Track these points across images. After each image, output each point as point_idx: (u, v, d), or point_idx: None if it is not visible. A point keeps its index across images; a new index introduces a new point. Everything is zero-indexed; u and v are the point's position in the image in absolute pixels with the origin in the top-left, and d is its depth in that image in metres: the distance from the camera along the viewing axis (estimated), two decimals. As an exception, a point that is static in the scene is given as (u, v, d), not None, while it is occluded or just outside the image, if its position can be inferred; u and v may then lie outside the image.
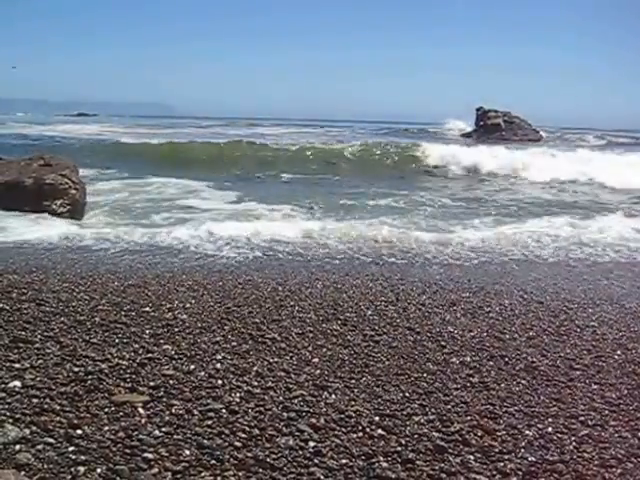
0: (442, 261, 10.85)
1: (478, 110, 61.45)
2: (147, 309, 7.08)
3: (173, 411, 4.79)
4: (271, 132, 56.20)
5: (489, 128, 58.74)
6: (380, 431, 4.72)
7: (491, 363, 6.18)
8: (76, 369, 5.38)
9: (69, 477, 3.90)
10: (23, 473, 3.79)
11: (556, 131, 69.75)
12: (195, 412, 4.79)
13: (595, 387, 5.74)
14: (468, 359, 6.24)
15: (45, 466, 3.98)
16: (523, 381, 5.79)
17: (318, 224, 13.75)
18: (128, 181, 22.36)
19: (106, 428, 4.48)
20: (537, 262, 11.20)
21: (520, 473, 4.27)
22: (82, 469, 3.99)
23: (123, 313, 6.89)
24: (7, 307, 6.80)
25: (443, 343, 6.63)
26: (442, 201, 20.73)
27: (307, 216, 16.01)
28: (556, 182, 28.54)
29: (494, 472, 4.27)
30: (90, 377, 5.24)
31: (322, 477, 4.08)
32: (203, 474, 4.04)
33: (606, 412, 5.25)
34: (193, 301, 7.52)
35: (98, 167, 25.26)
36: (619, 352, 6.64)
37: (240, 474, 4.06)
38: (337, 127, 75.77)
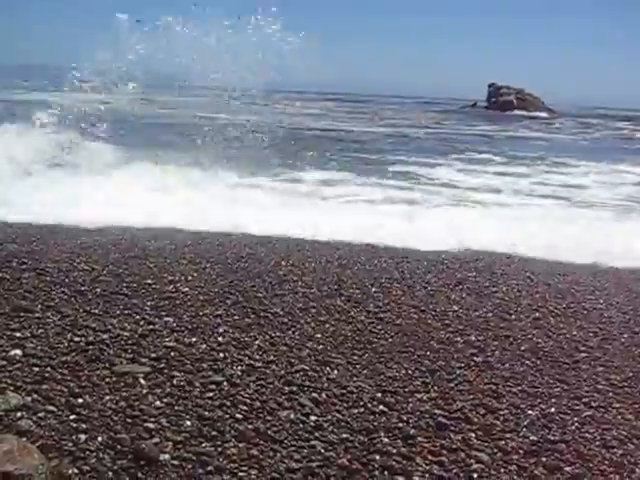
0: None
1: (490, 86, 61.03)
2: (148, 281, 7.04)
3: (174, 382, 4.77)
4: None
5: (501, 104, 58.38)
6: (382, 407, 4.69)
7: (496, 343, 6.15)
8: (77, 339, 5.35)
9: (70, 444, 3.89)
10: (24, 439, 3.77)
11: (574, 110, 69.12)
12: (196, 384, 4.77)
13: (600, 369, 5.71)
14: (472, 338, 6.21)
15: (46, 433, 3.97)
16: (527, 362, 5.76)
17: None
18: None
19: (107, 398, 4.47)
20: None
21: (521, 451, 4.25)
22: (83, 437, 3.98)
23: (124, 284, 6.85)
24: (7, 276, 6.77)
25: (447, 322, 6.60)
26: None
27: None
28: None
29: (495, 450, 4.24)
30: (91, 347, 5.22)
31: (322, 450, 4.06)
32: (204, 445, 4.03)
33: (610, 394, 5.22)
34: (195, 274, 7.48)
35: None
36: (625, 335, 6.61)
37: (240, 445, 4.05)
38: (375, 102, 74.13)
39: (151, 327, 5.74)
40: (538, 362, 5.75)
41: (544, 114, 57.31)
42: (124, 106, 21.73)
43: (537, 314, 7.08)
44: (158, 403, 4.45)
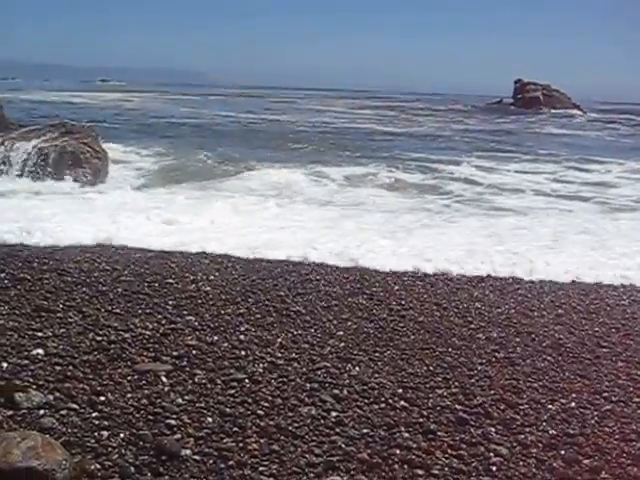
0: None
1: (516, 82, 60.43)
2: (170, 280, 7.11)
3: (196, 380, 4.81)
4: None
5: (527, 101, 57.74)
6: (403, 403, 4.70)
7: (517, 339, 6.13)
8: (99, 338, 5.42)
9: (93, 441, 3.94)
10: (48, 436, 3.81)
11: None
12: (218, 381, 4.81)
13: (621, 364, 5.68)
14: (494, 335, 6.20)
15: (69, 430, 4.03)
16: (549, 357, 5.74)
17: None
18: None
19: (129, 395, 4.52)
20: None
21: (540, 445, 4.25)
22: (106, 433, 4.03)
23: (146, 284, 6.92)
24: (28, 277, 6.85)
25: (470, 319, 6.59)
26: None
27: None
28: None
29: (514, 443, 4.24)
30: (113, 346, 5.28)
31: (343, 445, 4.08)
32: (225, 440, 4.06)
33: (630, 389, 5.20)
34: (217, 274, 7.54)
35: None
36: (649, 331, 6.56)
37: (262, 441, 4.07)
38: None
39: (173, 326, 5.80)
40: (559, 358, 5.73)
41: (572, 111, 56.65)
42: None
43: (560, 310, 7.04)
44: (180, 400, 4.49)
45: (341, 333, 5.97)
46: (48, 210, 10.77)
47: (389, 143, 28.34)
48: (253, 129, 32.31)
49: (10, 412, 4.15)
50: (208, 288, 6.93)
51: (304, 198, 14.13)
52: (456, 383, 5.09)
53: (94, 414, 4.24)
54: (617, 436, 4.43)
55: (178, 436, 4.06)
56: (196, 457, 3.87)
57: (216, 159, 18.58)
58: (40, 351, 5.07)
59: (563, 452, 4.19)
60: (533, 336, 6.22)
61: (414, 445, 4.14)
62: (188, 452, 3.91)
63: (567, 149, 28.41)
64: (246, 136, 27.54)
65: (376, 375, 5.14)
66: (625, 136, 41.12)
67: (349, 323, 6.24)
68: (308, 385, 4.86)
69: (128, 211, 11.02)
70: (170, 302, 6.40)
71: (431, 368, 5.36)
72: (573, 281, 8.32)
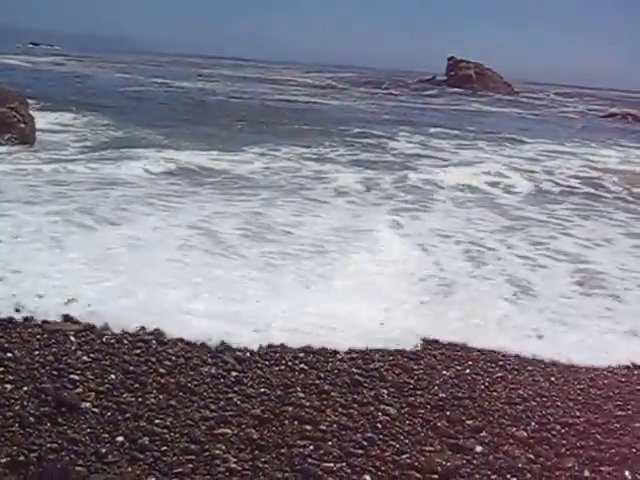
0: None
1: (449, 60, 60.57)
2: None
3: (104, 340, 4.96)
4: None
5: (460, 78, 57.77)
6: (302, 365, 4.92)
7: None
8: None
9: (-5, 393, 4.09)
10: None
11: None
12: (125, 342, 4.97)
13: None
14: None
15: (-29, 383, 4.16)
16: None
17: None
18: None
19: (36, 353, 4.65)
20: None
21: (428, 407, 4.50)
22: (9, 387, 4.19)
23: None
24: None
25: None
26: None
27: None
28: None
29: (404, 405, 4.49)
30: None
31: (239, 402, 4.29)
32: (125, 395, 4.24)
33: (524, 355, 5.49)
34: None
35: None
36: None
37: (161, 397, 4.26)
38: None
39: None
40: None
41: (501, 89, 56.95)
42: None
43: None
44: (85, 358, 4.65)
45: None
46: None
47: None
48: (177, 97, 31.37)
49: None
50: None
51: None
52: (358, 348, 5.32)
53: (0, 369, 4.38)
54: (503, 400, 4.71)
55: (79, 390, 4.23)
56: (95, 410, 4.05)
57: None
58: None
59: (449, 413, 4.45)
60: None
61: (307, 404, 4.36)
62: (88, 405, 4.08)
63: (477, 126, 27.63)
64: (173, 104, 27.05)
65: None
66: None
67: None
68: (213, 347, 5.05)
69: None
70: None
71: (336, 335, 5.57)
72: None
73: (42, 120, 16.36)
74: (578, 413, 4.61)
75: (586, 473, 3.92)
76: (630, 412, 4.71)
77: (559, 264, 8.07)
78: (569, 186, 14.40)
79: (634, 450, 4.20)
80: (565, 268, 7.90)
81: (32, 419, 3.90)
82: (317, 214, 9.62)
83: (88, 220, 8.01)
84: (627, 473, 3.96)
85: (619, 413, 4.68)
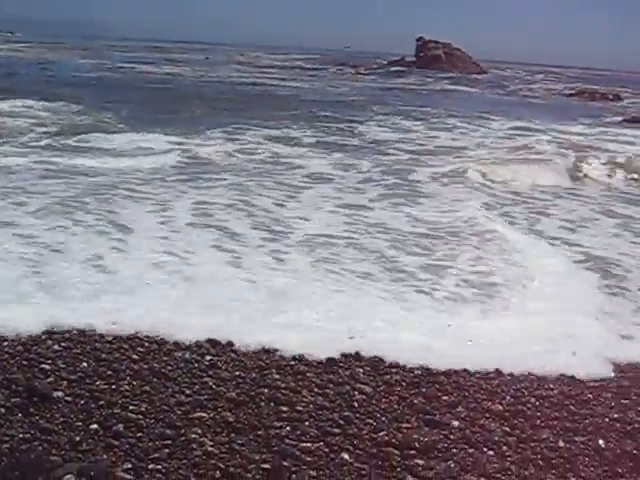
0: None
1: (418, 40, 60.41)
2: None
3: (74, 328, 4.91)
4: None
5: (429, 59, 57.69)
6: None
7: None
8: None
9: (-36, 385, 4.03)
10: None
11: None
12: (96, 329, 4.92)
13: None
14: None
15: (-61, 377, 4.09)
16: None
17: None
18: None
19: (5, 344, 4.58)
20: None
21: (404, 384, 4.51)
22: (-23, 379, 4.12)
23: None
24: None
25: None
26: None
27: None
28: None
29: (380, 383, 4.49)
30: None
31: (214, 386, 4.26)
32: (98, 383, 4.18)
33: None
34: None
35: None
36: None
37: (134, 383, 4.22)
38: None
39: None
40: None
41: (471, 69, 56.92)
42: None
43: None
44: (56, 347, 4.58)
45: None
46: None
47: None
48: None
49: None
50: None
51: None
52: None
53: (-32, 362, 4.32)
54: (478, 375, 4.74)
55: (51, 379, 4.17)
56: (68, 398, 3.99)
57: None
58: None
59: (425, 390, 4.47)
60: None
61: (283, 385, 4.34)
62: (60, 394, 4.02)
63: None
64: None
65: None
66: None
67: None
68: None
69: None
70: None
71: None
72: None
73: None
74: (552, 385, 4.66)
75: (561, 443, 3.93)
76: (603, 383, 4.76)
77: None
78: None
79: (607, 420, 4.24)
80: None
81: (3, 410, 3.83)
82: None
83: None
84: (601, 442, 3.99)
85: (592, 384, 4.73)
